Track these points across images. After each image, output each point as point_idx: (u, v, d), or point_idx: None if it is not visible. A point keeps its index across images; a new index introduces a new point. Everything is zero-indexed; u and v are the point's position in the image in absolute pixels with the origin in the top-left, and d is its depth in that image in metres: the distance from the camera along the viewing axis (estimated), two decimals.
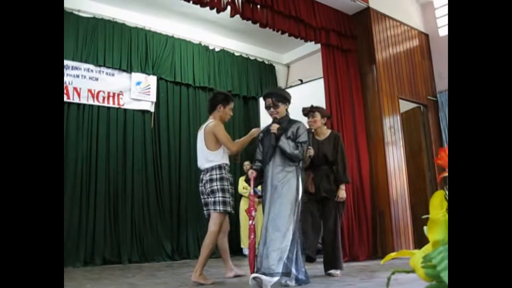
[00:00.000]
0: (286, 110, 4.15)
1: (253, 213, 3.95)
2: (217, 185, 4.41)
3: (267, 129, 4.11)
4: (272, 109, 4.05)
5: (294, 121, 4.10)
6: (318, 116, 4.83)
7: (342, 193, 4.63)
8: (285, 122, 4.04)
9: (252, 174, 4.08)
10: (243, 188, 8.08)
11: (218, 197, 4.38)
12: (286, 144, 3.86)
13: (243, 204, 8.06)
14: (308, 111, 4.88)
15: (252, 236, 3.87)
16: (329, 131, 4.93)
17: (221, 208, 4.39)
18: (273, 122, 4.04)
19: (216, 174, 4.45)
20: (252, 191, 4.04)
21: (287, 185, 3.81)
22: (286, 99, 4.12)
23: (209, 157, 4.58)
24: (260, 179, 4.14)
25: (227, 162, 4.62)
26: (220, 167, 4.50)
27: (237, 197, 8.20)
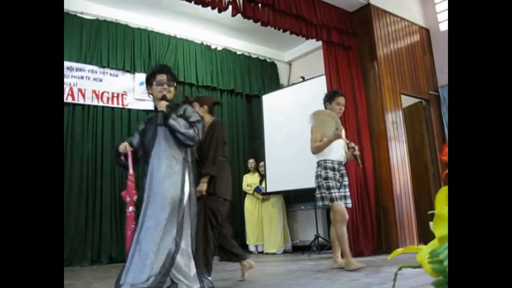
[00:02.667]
0: (174, 95, 3.58)
1: (129, 199, 3.35)
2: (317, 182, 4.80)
3: (149, 120, 3.66)
4: (165, 86, 3.41)
5: (179, 104, 3.58)
6: (196, 106, 4.38)
7: (200, 186, 3.96)
8: (172, 104, 3.42)
9: (128, 149, 3.46)
10: (247, 185, 8.15)
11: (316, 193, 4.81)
12: (177, 123, 3.23)
13: (248, 202, 8.14)
14: (186, 102, 4.39)
15: (132, 225, 3.26)
16: (212, 120, 4.46)
17: (319, 204, 4.80)
18: (162, 99, 3.38)
19: (316, 171, 4.84)
20: (131, 170, 3.40)
21: (169, 180, 3.19)
22: (176, 82, 3.63)
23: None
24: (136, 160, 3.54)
25: (325, 158, 4.80)
26: (318, 164, 4.83)
27: (241, 194, 8.29)
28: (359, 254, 6.12)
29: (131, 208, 3.33)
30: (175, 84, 3.53)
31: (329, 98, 5.07)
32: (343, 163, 4.93)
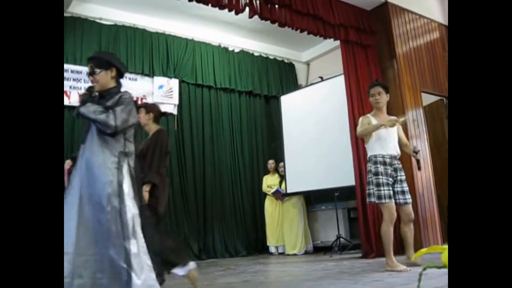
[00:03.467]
0: (116, 80, 3.09)
1: None
2: (367, 178, 4.67)
3: None
4: (91, 77, 3.02)
5: (117, 91, 3.05)
6: (142, 112, 4.22)
7: (143, 195, 3.68)
8: (109, 95, 2.99)
9: (67, 165, 3.23)
10: (268, 186, 8.15)
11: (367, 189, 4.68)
12: (88, 109, 2.83)
13: (268, 203, 8.14)
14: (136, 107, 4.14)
15: None
16: (156, 128, 4.31)
17: (367, 200, 4.67)
18: (86, 90, 3.04)
19: (367, 166, 4.72)
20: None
21: (103, 175, 2.76)
22: (109, 64, 3.04)
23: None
24: None
25: (375, 153, 4.63)
26: (369, 159, 4.68)
27: (261, 195, 8.30)
28: (382, 254, 6.07)
29: None
30: (100, 71, 2.99)
31: (368, 93, 4.94)
32: (398, 157, 4.75)
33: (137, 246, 2.71)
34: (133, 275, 2.59)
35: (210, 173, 8.09)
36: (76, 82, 7.01)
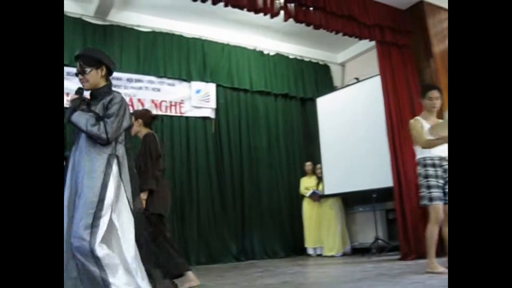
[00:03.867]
0: (106, 79, 2.97)
1: None
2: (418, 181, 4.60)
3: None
4: (80, 76, 2.88)
5: (112, 91, 2.94)
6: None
7: (140, 202, 3.70)
8: (100, 95, 2.89)
9: None
10: (305, 188, 8.17)
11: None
12: (79, 119, 2.72)
13: (305, 205, 8.16)
14: None
15: None
16: (145, 132, 4.30)
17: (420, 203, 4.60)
18: (76, 92, 2.91)
19: (417, 170, 4.64)
20: None
21: (88, 178, 2.65)
22: (100, 62, 2.91)
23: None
24: None
25: (424, 155, 4.53)
26: (418, 162, 4.61)
27: (299, 197, 8.32)
28: (421, 256, 6.00)
29: None
30: (90, 70, 2.86)
31: (421, 94, 4.85)
32: (446, 158, 4.68)
33: (114, 250, 2.64)
34: (108, 277, 2.54)
35: (248, 176, 8.17)
36: (116, 89, 7.13)
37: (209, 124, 8.02)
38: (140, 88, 7.45)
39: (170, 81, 7.78)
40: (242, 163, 8.19)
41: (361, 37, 6.70)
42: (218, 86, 8.21)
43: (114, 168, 2.74)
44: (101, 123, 2.71)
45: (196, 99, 7.90)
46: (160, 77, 7.67)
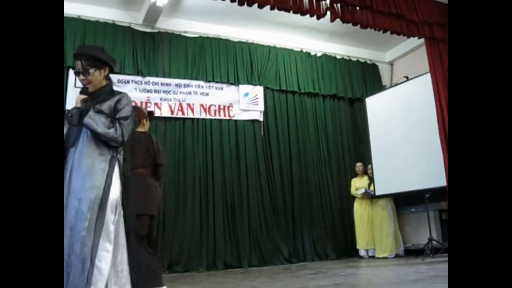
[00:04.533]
0: (107, 78, 2.90)
1: None
2: None
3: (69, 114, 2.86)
4: (81, 76, 2.79)
5: (118, 93, 2.89)
6: None
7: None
8: (103, 95, 2.82)
9: None
10: (356, 189, 8.10)
11: None
12: (94, 121, 2.63)
13: (357, 206, 8.08)
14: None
15: None
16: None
17: None
18: (80, 93, 2.80)
19: None
20: None
21: (89, 179, 2.58)
22: (102, 62, 2.84)
23: None
24: None
25: None
26: None
27: (349, 198, 8.25)
28: None
29: None
30: (94, 70, 2.79)
31: None
32: None
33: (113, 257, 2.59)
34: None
35: (297, 177, 8.16)
36: (166, 94, 7.40)
37: (257, 127, 8.07)
38: (189, 93, 7.60)
39: (218, 85, 7.89)
40: (291, 164, 8.19)
41: (409, 35, 6.57)
42: (266, 88, 8.26)
43: (116, 170, 2.70)
44: (117, 125, 2.68)
45: (244, 102, 7.98)
46: (209, 81, 7.79)
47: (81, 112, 2.65)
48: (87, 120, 2.61)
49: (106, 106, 2.74)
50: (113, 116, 2.72)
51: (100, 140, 2.65)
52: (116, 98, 2.79)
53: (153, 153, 3.98)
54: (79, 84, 6.50)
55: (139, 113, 4.17)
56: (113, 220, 2.59)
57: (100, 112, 2.68)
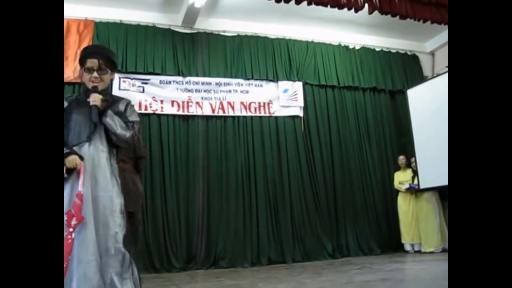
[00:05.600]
0: (111, 80, 3.01)
1: (75, 222, 2.40)
2: None
3: (77, 98, 2.87)
4: (95, 74, 2.78)
5: (119, 97, 2.99)
6: None
7: None
8: (109, 97, 2.88)
9: (82, 165, 2.56)
10: (399, 183, 7.99)
11: None
12: (113, 122, 2.68)
13: (401, 200, 7.97)
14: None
15: (65, 259, 2.29)
16: None
17: None
18: (93, 91, 2.75)
19: None
20: (81, 188, 2.50)
21: (114, 178, 2.66)
22: (115, 66, 2.94)
23: None
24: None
25: None
26: None
27: (393, 192, 8.15)
28: None
29: (74, 235, 2.39)
30: (108, 71, 2.85)
31: None
32: None
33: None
34: None
35: (339, 172, 8.12)
36: (206, 93, 7.50)
37: (298, 123, 8.07)
38: (229, 91, 7.68)
39: (258, 82, 7.93)
40: (333, 159, 8.15)
41: None
42: (305, 84, 8.24)
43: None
44: (131, 128, 2.75)
45: (284, 98, 7.99)
46: (248, 79, 7.85)
47: (103, 110, 2.68)
48: (107, 119, 2.66)
49: (115, 108, 2.79)
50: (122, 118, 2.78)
51: (109, 139, 2.70)
52: (125, 101, 2.88)
53: (133, 146, 3.89)
54: (123, 86, 6.91)
55: None
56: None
57: (117, 114, 2.74)
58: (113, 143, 2.72)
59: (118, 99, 2.90)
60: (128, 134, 2.70)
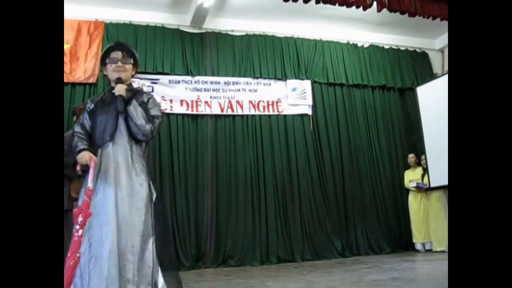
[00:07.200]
0: (133, 75, 3.00)
1: (82, 219, 2.36)
2: None
3: (102, 98, 2.89)
4: (119, 64, 2.82)
5: (143, 90, 3.02)
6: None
7: None
8: (130, 87, 2.90)
9: (92, 160, 2.55)
10: (409, 181, 7.95)
11: None
12: (136, 112, 2.68)
13: (411, 199, 7.93)
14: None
15: (72, 255, 2.25)
16: None
17: None
18: (117, 82, 2.77)
19: None
20: (90, 184, 2.48)
21: (138, 176, 2.65)
22: (136, 62, 2.96)
23: None
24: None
25: None
26: None
27: (403, 191, 8.11)
28: None
29: (81, 232, 2.33)
30: (132, 62, 2.90)
31: None
32: None
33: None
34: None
35: (349, 170, 8.10)
36: (215, 92, 7.53)
37: (306, 121, 8.06)
38: (238, 90, 7.69)
39: (266, 81, 7.94)
40: (342, 157, 8.13)
41: None
42: (313, 82, 8.22)
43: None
44: (154, 122, 2.74)
45: (292, 97, 7.99)
46: (256, 78, 7.86)
47: (128, 99, 2.71)
48: (131, 108, 2.68)
49: (141, 99, 2.80)
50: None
51: (129, 132, 2.69)
52: (147, 96, 2.88)
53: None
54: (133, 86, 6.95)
55: (78, 112, 4.07)
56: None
57: (141, 105, 2.74)
58: (133, 136, 2.69)
59: (142, 92, 2.92)
60: (147, 127, 2.68)
